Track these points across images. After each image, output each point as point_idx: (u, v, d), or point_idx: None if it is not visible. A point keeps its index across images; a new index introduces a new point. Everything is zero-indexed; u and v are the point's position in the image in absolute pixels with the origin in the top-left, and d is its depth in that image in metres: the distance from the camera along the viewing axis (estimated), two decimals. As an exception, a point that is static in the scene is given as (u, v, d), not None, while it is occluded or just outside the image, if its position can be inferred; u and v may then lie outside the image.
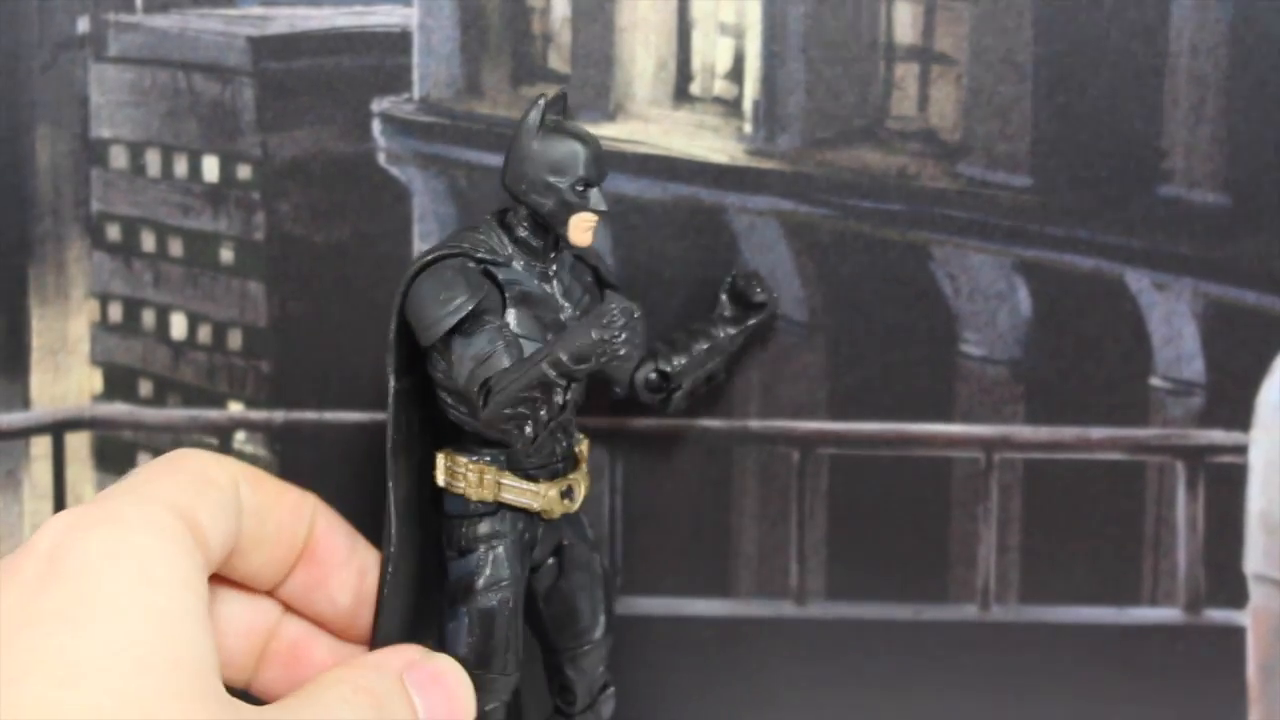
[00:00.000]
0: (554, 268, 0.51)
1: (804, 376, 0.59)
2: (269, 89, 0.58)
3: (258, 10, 0.58)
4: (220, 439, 0.59)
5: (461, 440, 0.51)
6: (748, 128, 0.58)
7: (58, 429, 0.60)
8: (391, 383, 0.50)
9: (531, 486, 0.51)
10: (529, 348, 0.48)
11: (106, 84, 0.58)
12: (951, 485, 0.59)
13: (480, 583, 0.50)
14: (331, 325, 0.59)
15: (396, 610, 0.51)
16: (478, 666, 0.50)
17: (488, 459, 0.51)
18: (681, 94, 0.58)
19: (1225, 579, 0.60)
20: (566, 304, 0.51)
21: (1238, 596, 0.60)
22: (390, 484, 0.50)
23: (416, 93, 0.58)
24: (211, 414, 0.59)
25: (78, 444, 0.60)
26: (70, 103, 0.58)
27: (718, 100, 0.58)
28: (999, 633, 0.60)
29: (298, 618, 0.52)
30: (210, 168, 0.59)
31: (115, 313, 0.60)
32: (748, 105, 0.58)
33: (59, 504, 0.60)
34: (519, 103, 0.58)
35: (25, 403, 0.59)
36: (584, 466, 0.53)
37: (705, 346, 0.55)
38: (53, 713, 0.38)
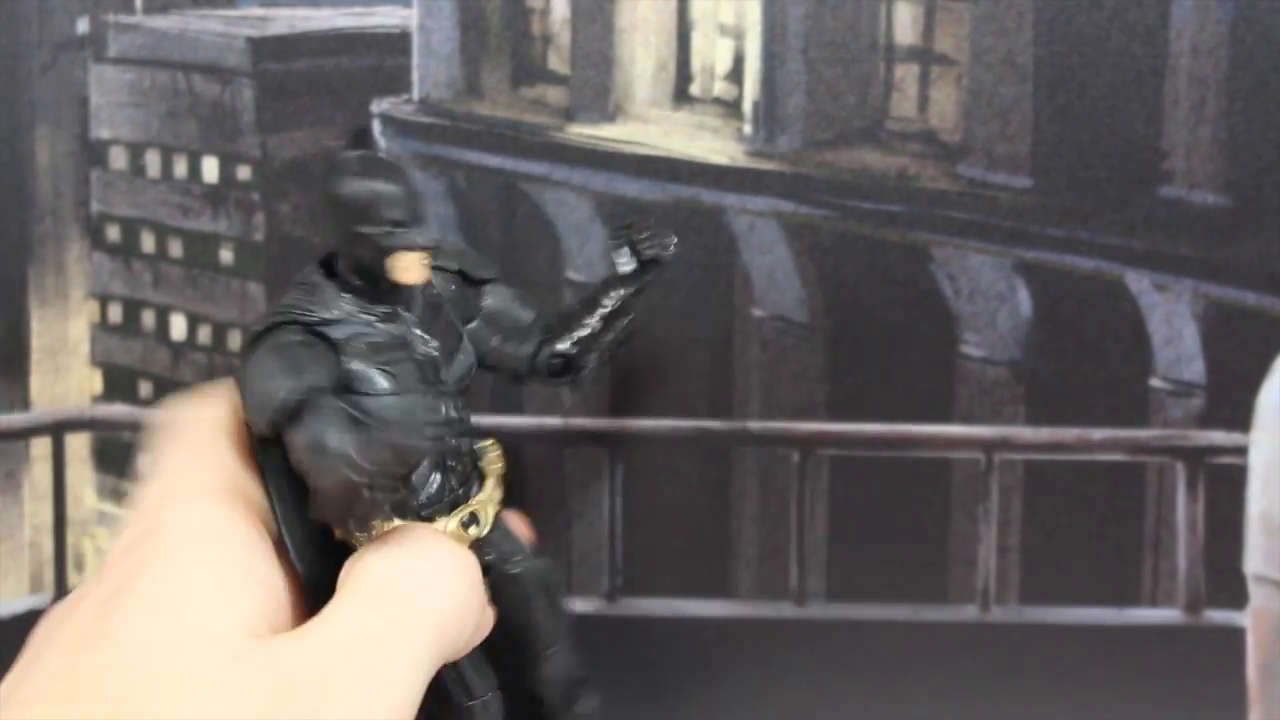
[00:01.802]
0: (400, 306, 0.46)
1: (804, 377, 0.59)
2: (268, 90, 0.58)
3: (257, 11, 0.58)
4: (220, 440, 0.59)
5: None
6: (747, 129, 0.58)
7: (58, 430, 0.60)
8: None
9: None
10: (407, 401, 0.45)
11: (106, 85, 0.58)
12: (951, 486, 0.60)
13: None
14: (331, 326, 0.59)
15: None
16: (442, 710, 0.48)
17: None
18: (681, 95, 0.58)
19: (1225, 580, 0.60)
20: (425, 336, 0.47)
21: (1238, 597, 0.60)
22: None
23: (416, 94, 0.58)
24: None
25: (78, 445, 0.60)
26: (70, 103, 0.58)
27: (718, 101, 0.58)
28: (999, 633, 0.60)
29: None
30: (210, 168, 0.59)
31: (115, 313, 0.60)
32: (747, 106, 0.58)
33: (59, 505, 0.60)
34: (519, 103, 0.58)
35: (25, 404, 0.59)
36: (491, 481, 0.49)
37: (601, 316, 0.51)
38: (151, 650, 0.40)
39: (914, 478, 0.59)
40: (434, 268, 0.47)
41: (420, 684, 0.43)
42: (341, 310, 0.45)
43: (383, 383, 0.45)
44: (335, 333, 0.45)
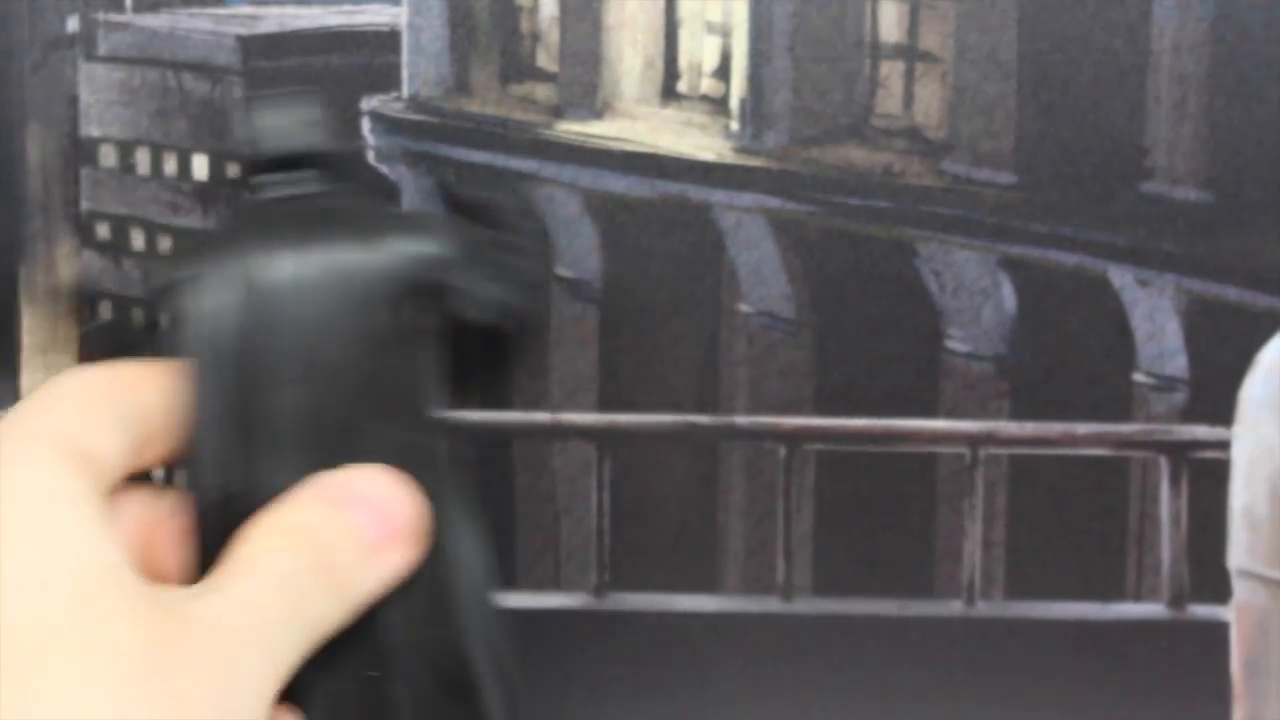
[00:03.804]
0: None
1: (790, 373, 0.59)
2: (259, 87, 0.58)
3: (247, 9, 0.58)
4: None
5: None
6: (734, 125, 0.58)
7: (47, 427, 0.60)
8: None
9: None
10: None
11: (96, 83, 0.59)
12: (937, 481, 0.60)
13: None
14: (320, 323, 0.59)
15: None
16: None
17: None
18: (668, 92, 0.58)
19: (1209, 574, 0.60)
20: None
21: (1221, 591, 0.60)
22: None
23: (405, 91, 0.58)
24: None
25: (67, 441, 0.60)
26: (60, 101, 0.59)
27: (705, 98, 0.58)
28: (984, 628, 0.60)
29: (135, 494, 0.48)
30: (200, 166, 0.59)
31: (105, 311, 0.60)
32: (734, 103, 0.58)
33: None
34: (507, 101, 0.58)
35: (16, 401, 0.59)
36: None
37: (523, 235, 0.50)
38: None
39: (899, 472, 0.60)
40: None
41: (297, 659, 0.42)
42: None
43: None
44: None
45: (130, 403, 0.45)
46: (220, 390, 0.46)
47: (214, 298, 0.45)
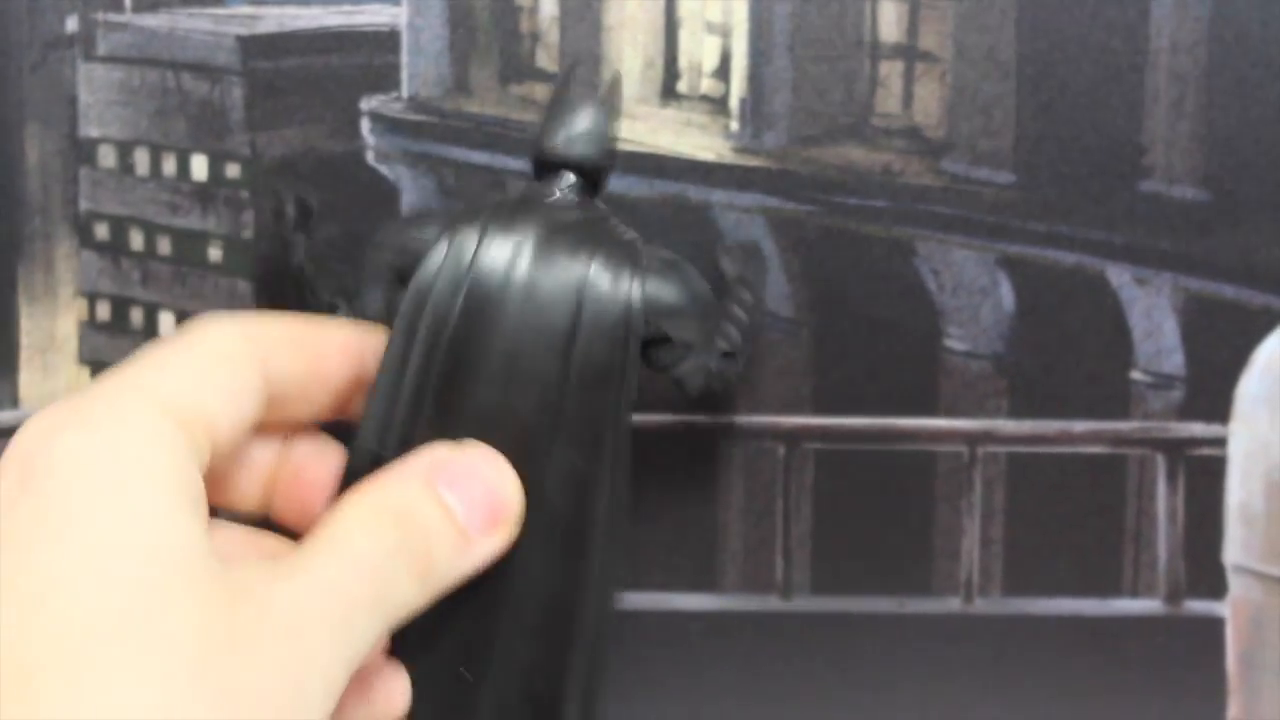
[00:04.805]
0: None
1: (789, 372, 0.59)
2: (258, 88, 0.58)
3: (246, 9, 0.58)
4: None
5: None
6: (734, 125, 0.58)
7: (46, 427, 0.60)
8: None
9: None
10: None
11: (95, 83, 0.58)
12: (935, 479, 0.60)
13: None
14: (320, 323, 0.59)
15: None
16: None
17: None
18: (668, 92, 0.58)
19: (1205, 570, 0.60)
20: None
21: (1217, 587, 0.60)
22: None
23: (405, 91, 0.58)
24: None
25: (67, 442, 0.60)
26: (59, 102, 0.59)
27: (704, 98, 0.58)
28: (982, 625, 0.60)
29: (308, 438, 0.48)
30: (199, 166, 0.59)
31: (103, 311, 0.60)
32: (734, 103, 0.58)
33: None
34: (507, 101, 0.58)
35: (14, 401, 0.59)
36: None
37: (747, 317, 0.51)
38: (20, 636, 0.35)
39: (898, 471, 0.60)
40: None
41: (368, 649, 0.41)
42: None
43: None
44: None
45: (266, 360, 0.44)
46: (417, 366, 0.46)
47: (446, 275, 0.45)
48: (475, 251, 0.46)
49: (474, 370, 0.45)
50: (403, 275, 0.47)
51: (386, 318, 0.47)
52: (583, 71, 0.58)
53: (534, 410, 0.46)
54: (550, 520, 0.46)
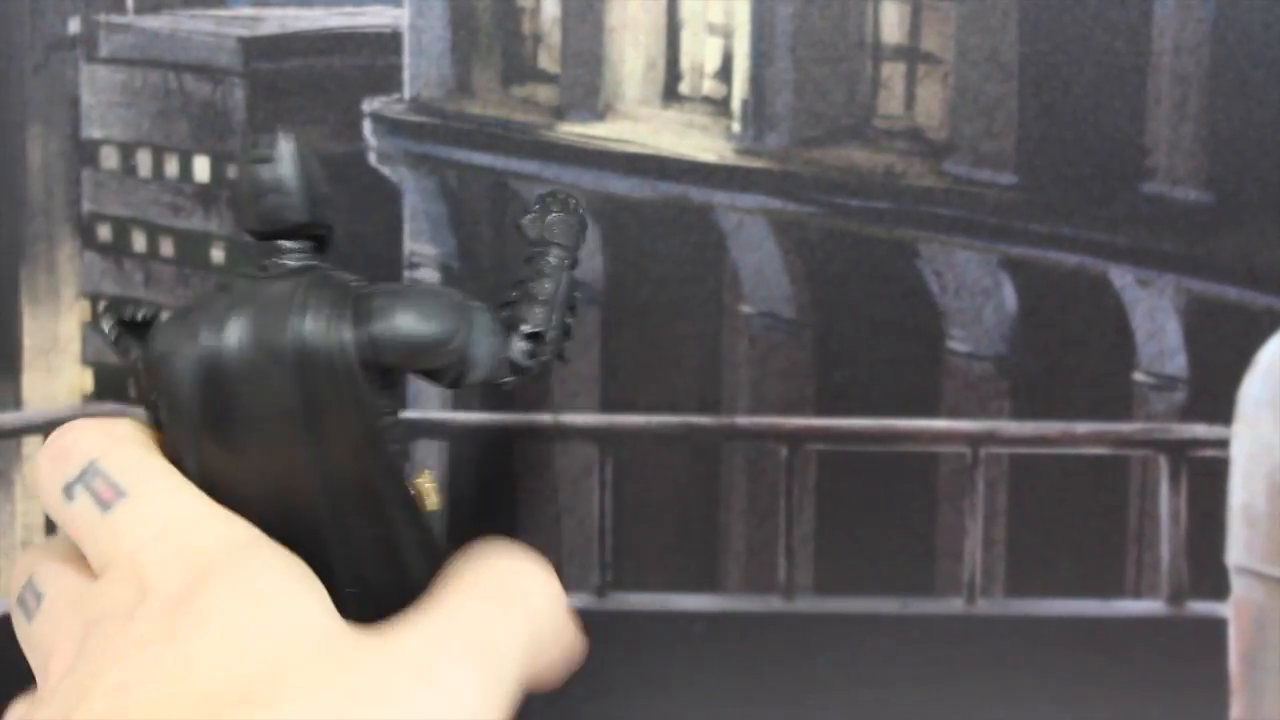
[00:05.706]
0: None
1: (792, 373, 0.59)
2: (260, 89, 0.58)
3: (249, 11, 0.58)
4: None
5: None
6: (736, 127, 0.58)
7: (49, 429, 0.59)
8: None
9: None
10: None
11: (98, 84, 0.59)
12: (938, 480, 0.60)
13: None
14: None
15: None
16: None
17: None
18: (670, 93, 0.58)
19: (1207, 571, 0.60)
20: None
21: (1220, 588, 0.60)
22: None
23: (407, 93, 0.58)
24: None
25: (69, 443, 0.60)
26: (61, 103, 0.59)
27: (706, 99, 0.58)
28: (985, 625, 0.60)
29: None
30: (201, 168, 0.59)
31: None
32: (736, 104, 0.58)
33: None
34: (509, 102, 0.58)
35: (17, 402, 0.60)
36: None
37: (552, 285, 0.50)
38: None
39: (901, 472, 0.60)
40: None
41: (515, 687, 0.44)
42: None
43: None
44: None
45: None
46: (192, 461, 0.46)
47: (179, 378, 0.46)
48: (196, 347, 0.45)
49: (231, 451, 0.46)
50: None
51: None
52: (584, 74, 0.58)
53: (297, 474, 0.46)
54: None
